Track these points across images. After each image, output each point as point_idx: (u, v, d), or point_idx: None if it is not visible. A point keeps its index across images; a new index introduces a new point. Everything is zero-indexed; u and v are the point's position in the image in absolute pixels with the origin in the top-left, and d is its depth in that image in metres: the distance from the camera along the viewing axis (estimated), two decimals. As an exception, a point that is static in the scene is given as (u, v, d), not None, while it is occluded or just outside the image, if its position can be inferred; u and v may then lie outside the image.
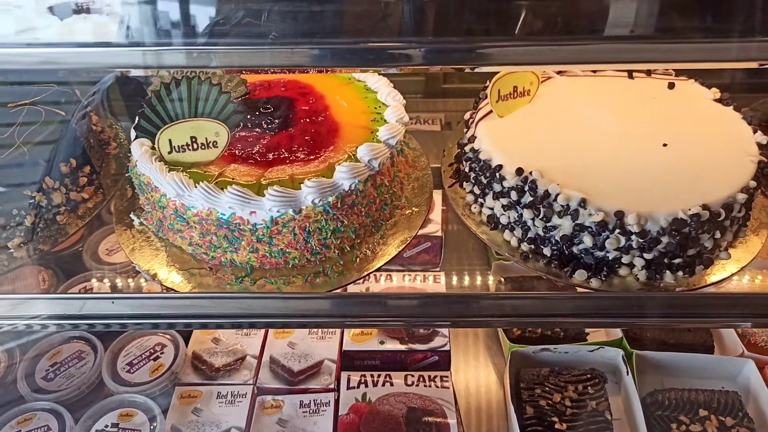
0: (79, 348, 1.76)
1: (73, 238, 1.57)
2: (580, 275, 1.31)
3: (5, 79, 1.60)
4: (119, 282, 1.71)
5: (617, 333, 1.85)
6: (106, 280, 1.73)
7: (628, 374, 1.74)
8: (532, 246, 1.37)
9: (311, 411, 1.63)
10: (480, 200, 1.48)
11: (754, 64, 0.97)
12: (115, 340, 1.77)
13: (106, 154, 1.68)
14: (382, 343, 1.80)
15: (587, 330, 1.88)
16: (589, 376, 1.74)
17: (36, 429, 1.56)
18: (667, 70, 1.66)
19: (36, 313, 1.23)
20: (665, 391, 1.72)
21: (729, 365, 1.78)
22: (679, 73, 1.66)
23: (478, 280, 1.86)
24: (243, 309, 1.27)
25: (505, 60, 0.97)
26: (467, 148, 1.52)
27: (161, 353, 1.74)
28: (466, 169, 1.52)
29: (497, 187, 1.40)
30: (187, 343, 1.80)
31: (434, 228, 1.90)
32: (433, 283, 1.87)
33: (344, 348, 1.79)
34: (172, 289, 1.31)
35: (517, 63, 1.03)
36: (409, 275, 1.91)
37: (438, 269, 1.89)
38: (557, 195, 1.29)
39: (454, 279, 1.89)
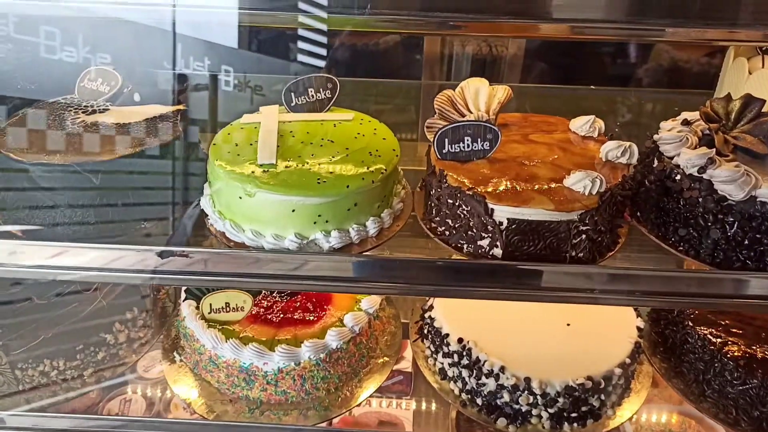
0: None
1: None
2: (501, 422, 1.79)
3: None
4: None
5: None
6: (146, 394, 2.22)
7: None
8: (469, 396, 1.85)
9: None
10: (434, 356, 1.97)
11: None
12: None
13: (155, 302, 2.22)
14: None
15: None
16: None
17: None
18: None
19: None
20: None
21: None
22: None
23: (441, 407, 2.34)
24: (253, 434, 1.75)
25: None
26: (426, 315, 2.04)
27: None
28: (425, 331, 2.03)
29: (445, 349, 1.90)
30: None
31: (406, 364, 2.41)
32: (404, 409, 2.35)
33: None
34: (201, 416, 1.80)
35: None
36: (387, 400, 2.39)
37: (409, 397, 2.38)
38: (485, 361, 1.79)
39: (423, 404, 2.37)
